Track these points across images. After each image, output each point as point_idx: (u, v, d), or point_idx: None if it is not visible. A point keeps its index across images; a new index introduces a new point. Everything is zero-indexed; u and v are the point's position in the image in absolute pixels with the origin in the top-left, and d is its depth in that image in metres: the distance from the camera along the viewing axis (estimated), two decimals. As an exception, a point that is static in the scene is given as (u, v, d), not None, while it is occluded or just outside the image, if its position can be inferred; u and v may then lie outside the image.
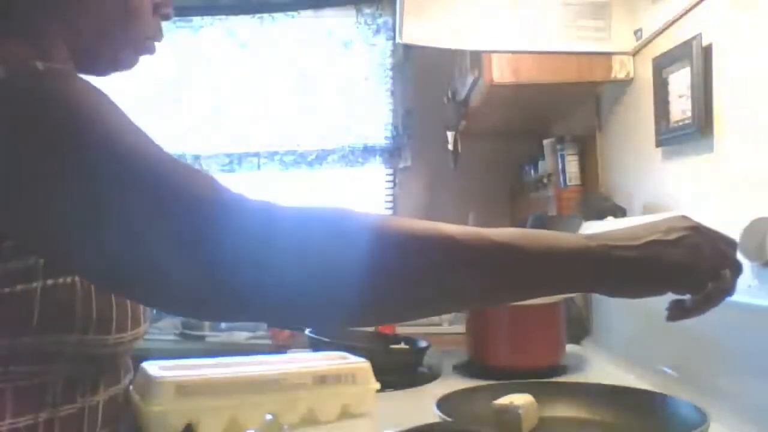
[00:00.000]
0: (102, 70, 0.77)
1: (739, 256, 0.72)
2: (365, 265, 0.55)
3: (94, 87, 0.58)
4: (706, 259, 0.67)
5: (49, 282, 0.63)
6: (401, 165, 2.90)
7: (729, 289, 0.69)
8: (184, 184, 0.55)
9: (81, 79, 0.59)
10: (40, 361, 0.64)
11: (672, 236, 0.66)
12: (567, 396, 0.97)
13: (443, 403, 0.88)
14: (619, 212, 1.52)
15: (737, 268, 0.69)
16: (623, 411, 0.92)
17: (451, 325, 1.85)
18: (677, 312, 0.70)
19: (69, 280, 0.65)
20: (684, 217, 0.70)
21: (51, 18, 0.70)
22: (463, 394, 0.96)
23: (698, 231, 0.68)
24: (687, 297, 0.69)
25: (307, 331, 1.41)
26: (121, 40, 0.76)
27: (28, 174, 0.53)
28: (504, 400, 0.85)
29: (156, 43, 0.80)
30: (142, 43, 0.78)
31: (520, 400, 0.85)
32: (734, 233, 0.82)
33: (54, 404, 0.66)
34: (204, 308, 0.58)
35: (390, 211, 2.90)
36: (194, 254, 0.53)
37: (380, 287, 0.57)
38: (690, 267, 0.66)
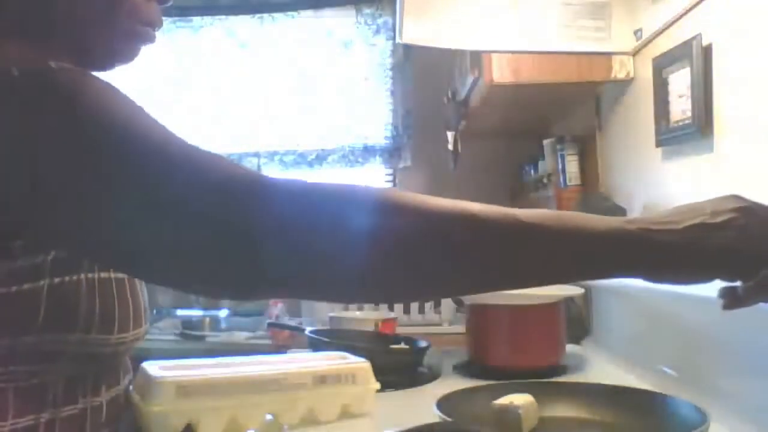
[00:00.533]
0: (101, 64, 0.75)
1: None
2: (399, 242, 0.55)
3: (108, 83, 0.59)
4: (755, 242, 0.60)
5: (56, 280, 0.63)
6: (401, 165, 2.91)
7: None
8: (212, 166, 0.56)
9: (94, 75, 0.60)
10: (42, 360, 0.64)
11: (718, 219, 0.61)
12: (567, 396, 0.97)
13: (443, 403, 0.88)
14: (619, 212, 1.52)
15: None
16: (623, 411, 0.92)
17: (451, 325, 1.85)
18: (730, 300, 0.64)
19: (75, 278, 0.65)
20: (735, 197, 0.64)
21: (42, 14, 0.69)
22: (463, 394, 0.96)
23: (748, 212, 0.62)
24: (738, 284, 0.63)
25: (307, 331, 1.41)
26: (114, 30, 0.73)
27: (54, 170, 0.54)
28: (504, 400, 0.85)
29: (156, 32, 0.77)
30: (139, 31, 0.75)
31: (520, 400, 0.85)
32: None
33: (55, 405, 0.66)
34: (243, 287, 0.58)
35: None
36: (230, 234, 0.54)
37: (410, 266, 0.56)
38: (737, 251, 0.60)
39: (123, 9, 0.73)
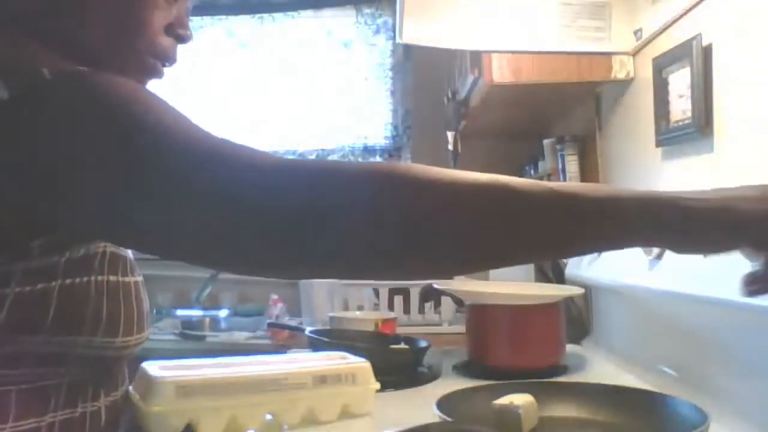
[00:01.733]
0: None
1: (740, 256, 0.71)
2: (433, 218, 0.56)
3: (135, 82, 0.62)
4: None
5: (68, 281, 0.64)
6: (401, 165, 2.91)
7: None
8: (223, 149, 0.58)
9: (120, 76, 0.62)
10: (48, 363, 0.64)
11: (747, 193, 0.62)
12: (567, 396, 0.97)
13: (443, 403, 0.87)
14: (619, 212, 1.52)
15: None
16: (623, 411, 0.92)
17: (451, 325, 1.84)
18: (753, 286, 0.64)
19: (85, 279, 0.65)
20: (764, 185, 0.64)
21: (63, 36, 0.69)
22: (463, 394, 0.96)
23: None
24: (757, 267, 0.63)
25: (307, 331, 1.41)
26: (124, 57, 0.73)
27: (92, 164, 0.56)
28: (504, 400, 0.85)
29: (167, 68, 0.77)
30: (152, 65, 0.75)
31: (520, 400, 0.85)
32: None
33: (56, 408, 0.66)
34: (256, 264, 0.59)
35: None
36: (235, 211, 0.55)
37: (448, 241, 0.57)
38: (762, 219, 0.60)
39: (143, 42, 0.73)
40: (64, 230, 0.62)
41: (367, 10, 2.95)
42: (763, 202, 0.61)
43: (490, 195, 0.58)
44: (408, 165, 0.60)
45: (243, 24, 3.00)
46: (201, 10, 2.97)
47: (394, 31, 2.80)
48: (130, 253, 0.74)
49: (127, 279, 0.71)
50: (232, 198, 0.55)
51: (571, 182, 0.59)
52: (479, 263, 0.63)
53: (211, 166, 0.56)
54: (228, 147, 0.58)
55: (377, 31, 2.95)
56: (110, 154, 0.56)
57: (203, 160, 0.57)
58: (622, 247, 0.63)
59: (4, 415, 0.62)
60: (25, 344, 0.63)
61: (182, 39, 0.77)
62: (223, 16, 3.00)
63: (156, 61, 0.76)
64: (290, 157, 0.60)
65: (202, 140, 0.59)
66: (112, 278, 0.68)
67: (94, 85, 0.58)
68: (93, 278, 0.66)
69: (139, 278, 0.75)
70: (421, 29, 1.44)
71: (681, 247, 0.62)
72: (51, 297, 0.63)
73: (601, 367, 1.37)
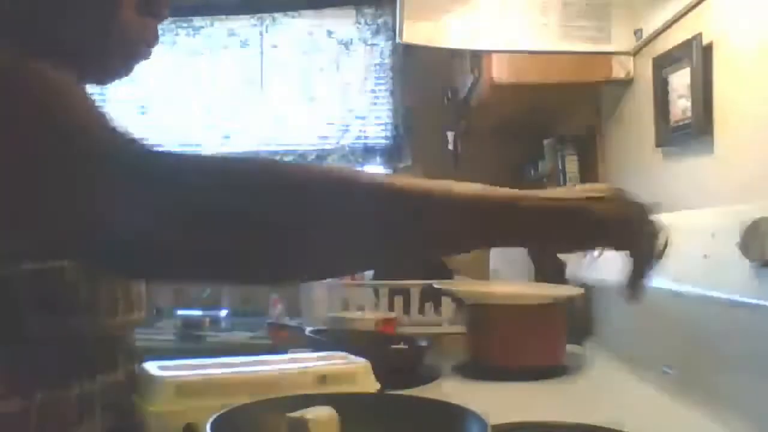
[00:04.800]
0: (96, 80, 0.75)
1: (740, 256, 0.72)
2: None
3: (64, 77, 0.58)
4: (634, 212, 0.67)
5: (40, 266, 0.65)
6: (401, 165, 2.90)
7: (657, 251, 0.68)
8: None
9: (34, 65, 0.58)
10: (32, 343, 0.65)
11: (600, 194, 0.66)
12: (374, 410, 0.80)
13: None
14: (619, 212, 1.52)
15: (659, 231, 0.69)
16: (420, 425, 0.76)
17: (451, 325, 1.85)
18: (628, 289, 0.71)
19: (57, 264, 0.66)
20: (606, 185, 0.70)
21: (38, 32, 0.67)
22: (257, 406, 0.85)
23: (622, 192, 0.68)
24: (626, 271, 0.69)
25: (307, 331, 1.41)
26: (106, 49, 0.72)
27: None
28: (297, 414, 0.77)
29: (152, 48, 0.76)
30: (133, 49, 0.74)
31: (314, 413, 0.74)
32: (734, 233, 0.82)
33: (48, 388, 0.67)
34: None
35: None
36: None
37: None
38: (622, 218, 0.66)
39: (115, 28, 0.71)
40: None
41: (367, 10, 2.95)
42: (613, 202, 0.65)
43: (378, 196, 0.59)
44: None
45: (243, 24, 3.00)
46: (201, 10, 2.96)
47: (394, 31, 2.80)
48: None
49: None
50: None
51: (422, 181, 0.62)
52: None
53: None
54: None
55: (377, 31, 2.95)
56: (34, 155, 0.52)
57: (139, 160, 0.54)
58: (483, 247, 0.66)
59: None
60: (6, 326, 0.64)
61: (156, 15, 0.74)
62: (223, 16, 2.99)
63: (137, 42, 0.74)
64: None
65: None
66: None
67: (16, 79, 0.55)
68: (65, 263, 0.67)
69: None
70: (421, 29, 1.44)
71: (539, 246, 0.68)
72: (22, 281, 0.64)
73: (601, 367, 1.37)
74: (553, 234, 0.64)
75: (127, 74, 0.76)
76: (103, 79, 0.76)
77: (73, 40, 0.69)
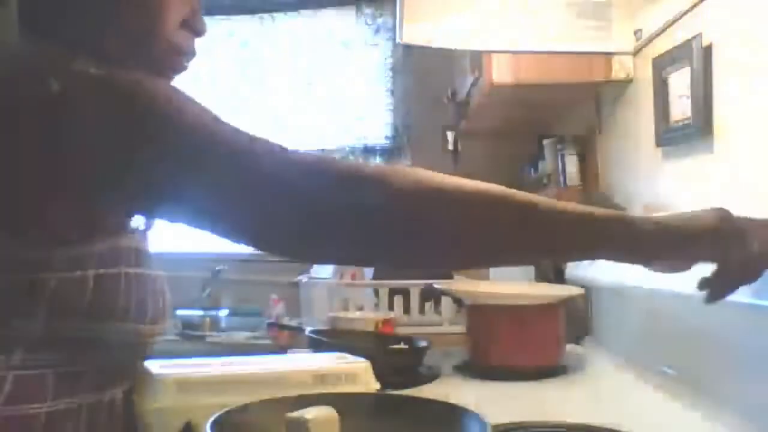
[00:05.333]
0: None
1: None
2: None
3: (173, 86, 0.68)
4: (734, 223, 0.70)
5: (101, 271, 0.68)
6: (401, 165, 2.91)
7: (755, 265, 0.70)
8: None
9: (161, 79, 0.71)
10: (81, 348, 0.68)
11: (700, 214, 0.71)
12: (375, 409, 0.81)
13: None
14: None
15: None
16: (420, 425, 0.75)
17: (451, 325, 1.85)
18: (708, 289, 0.73)
19: (116, 270, 0.70)
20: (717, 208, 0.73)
21: (89, 38, 0.71)
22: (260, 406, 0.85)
23: (726, 213, 0.71)
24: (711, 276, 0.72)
25: (307, 331, 1.41)
26: (146, 57, 0.75)
27: (139, 157, 0.62)
28: (297, 414, 0.77)
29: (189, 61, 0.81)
30: (173, 61, 0.79)
31: (314, 413, 0.73)
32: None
33: (87, 391, 0.69)
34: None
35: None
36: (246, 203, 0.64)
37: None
38: (715, 229, 0.69)
39: (159, 43, 0.76)
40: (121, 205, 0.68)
41: (367, 10, 2.95)
42: (711, 219, 0.70)
43: (488, 203, 0.68)
44: (408, 170, 0.67)
45: (243, 24, 3.00)
46: (201, 10, 2.97)
47: (394, 31, 2.80)
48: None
49: (152, 272, 0.76)
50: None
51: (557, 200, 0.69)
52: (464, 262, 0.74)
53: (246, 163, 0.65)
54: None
55: (377, 31, 2.95)
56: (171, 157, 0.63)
57: (242, 156, 0.66)
58: (590, 258, 0.76)
59: (42, 395, 0.65)
60: (63, 329, 0.67)
61: (198, 32, 0.81)
62: (223, 16, 3.00)
63: (177, 56, 0.79)
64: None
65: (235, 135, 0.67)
66: (140, 270, 0.73)
67: (127, 86, 0.63)
68: (123, 270, 0.71)
69: (162, 273, 0.80)
70: (421, 30, 1.44)
71: (644, 261, 0.72)
72: (87, 284, 0.67)
73: (601, 367, 1.37)
74: (664, 251, 0.71)
75: None
76: None
77: (119, 51, 0.73)
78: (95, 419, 0.71)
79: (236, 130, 0.68)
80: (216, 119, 0.68)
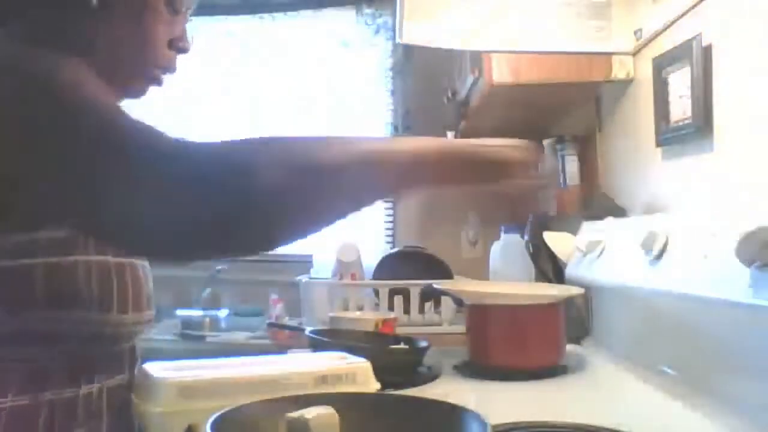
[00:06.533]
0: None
1: (740, 256, 0.72)
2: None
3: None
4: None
5: (53, 260, 0.67)
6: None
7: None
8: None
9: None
10: (44, 341, 0.67)
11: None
12: (375, 410, 0.80)
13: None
14: (619, 212, 1.52)
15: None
16: (420, 425, 0.76)
17: (451, 325, 1.85)
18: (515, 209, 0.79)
19: (72, 258, 0.68)
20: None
21: (65, 45, 0.71)
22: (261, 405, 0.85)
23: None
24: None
25: (307, 331, 1.41)
26: (132, 71, 0.79)
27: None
28: (296, 413, 0.78)
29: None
30: (155, 75, 0.82)
31: (314, 412, 0.74)
32: (734, 234, 0.82)
33: (57, 386, 0.68)
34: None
35: (389, 210, 2.90)
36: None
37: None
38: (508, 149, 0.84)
39: (149, 57, 0.79)
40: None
41: (367, 10, 2.95)
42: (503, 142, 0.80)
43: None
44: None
45: (243, 24, 3.00)
46: (201, 10, 2.95)
47: (394, 31, 2.80)
48: None
49: (119, 260, 0.74)
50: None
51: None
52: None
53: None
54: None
55: (377, 31, 2.95)
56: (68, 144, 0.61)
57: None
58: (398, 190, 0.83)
59: (2, 390, 0.65)
60: (20, 321, 0.65)
61: (183, 51, 0.84)
62: (223, 16, 3.00)
63: (159, 71, 0.82)
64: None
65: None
66: (100, 258, 0.72)
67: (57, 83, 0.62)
68: (78, 258, 0.69)
69: (137, 261, 0.78)
70: (421, 30, 1.44)
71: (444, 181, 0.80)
72: (36, 273, 0.66)
73: (601, 367, 1.37)
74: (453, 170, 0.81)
75: (140, 96, 0.83)
76: (120, 98, 0.80)
77: (110, 65, 0.75)
78: (71, 414, 0.70)
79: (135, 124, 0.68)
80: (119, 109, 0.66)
